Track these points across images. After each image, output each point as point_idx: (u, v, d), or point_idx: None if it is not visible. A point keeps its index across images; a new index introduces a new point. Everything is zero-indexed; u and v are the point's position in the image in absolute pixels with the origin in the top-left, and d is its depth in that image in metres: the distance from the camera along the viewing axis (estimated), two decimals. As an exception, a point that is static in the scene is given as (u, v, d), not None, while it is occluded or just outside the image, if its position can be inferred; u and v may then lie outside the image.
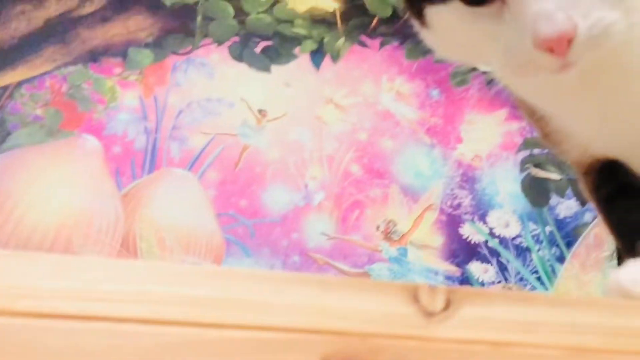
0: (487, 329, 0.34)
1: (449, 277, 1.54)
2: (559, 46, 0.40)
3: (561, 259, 1.61)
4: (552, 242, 1.63)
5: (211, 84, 1.71)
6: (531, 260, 1.60)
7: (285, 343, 0.29)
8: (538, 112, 0.57)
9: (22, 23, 1.69)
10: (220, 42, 1.79)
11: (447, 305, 0.34)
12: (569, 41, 0.40)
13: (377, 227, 1.57)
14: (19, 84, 1.59)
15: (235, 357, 0.29)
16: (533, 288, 1.56)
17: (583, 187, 0.61)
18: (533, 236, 1.63)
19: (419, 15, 0.47)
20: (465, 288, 0.36)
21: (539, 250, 1.62)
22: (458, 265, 1.56)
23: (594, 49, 0.41)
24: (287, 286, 0.31)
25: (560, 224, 1.64)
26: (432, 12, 0.45)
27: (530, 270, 1.59)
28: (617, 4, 0.41)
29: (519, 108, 0.64)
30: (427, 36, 0.48)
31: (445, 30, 0.46)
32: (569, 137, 0.57)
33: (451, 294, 0.34)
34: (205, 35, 1.80)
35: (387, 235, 1.56)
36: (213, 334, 0.29)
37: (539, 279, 1.58)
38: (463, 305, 0.34)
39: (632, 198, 0.55)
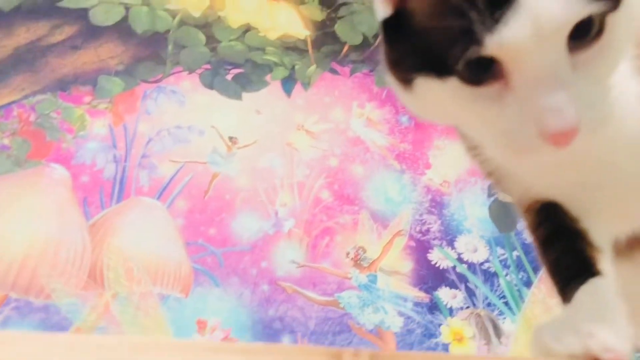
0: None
1: (417, 304, 1.55)
2: (564, 140, 0.40)
3: (528, 283, 1.64)
4: (519, 266, 1.66)
5: (182, 112, 1.72)
6: (499, 285, 1.62)
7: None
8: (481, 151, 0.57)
9: (-9, 52, 1.69)
10: (191, 70, 1.81)
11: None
12: (574, 135, 0.40)
13: (347, 254, 1.58)
14: (-14, 113, 1.58)
15: None
16: (501, 313, 1.58)
17: (524, 224, 0.63)
18: (501, 261, 1.65)
19: (406, 82, 0.45)
20: (388, 353, 0.37)
21: (506, 275, 1.64)
22: (427, 291, 1.57)
23: (592, 136, 0.42)
24: (214, 356, 0.32)
25: (527, 248, 1.66)
26: (423, 84, 0.44)
27: (498, 295, 1.60)
28: (610, 91, 0.43)
29: (461, 142, 0.64)
30: (408, 99, 0.47)
31: (436, 102, 0.45)
32: (511, 178, 0.59)
33: (373, 358, 0.35)
34: (177, 63, 1.81)
35: (357, 262, 1.57)
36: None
37: (506, 303, 1.60)
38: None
39: (566, 242, 0.57)
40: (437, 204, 1.71)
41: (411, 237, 1.65)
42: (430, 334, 1.51)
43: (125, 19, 1.86)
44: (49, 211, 1.45)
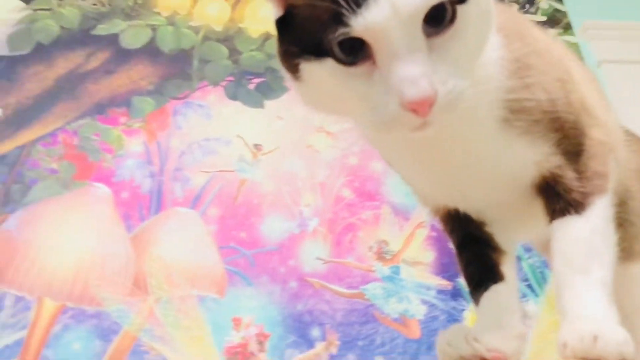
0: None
1: (441, 291, 1.62)
2: (422, 108, 0.46)
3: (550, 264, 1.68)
4: (541, 249, 1.70)
5: (209, 124, 1.84)
6: (521, 268, 1.67)
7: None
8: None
9: (35, 84, 1.86)
10: (215, 83, 1.92)
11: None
12: (430, 104, 0.46)
13: (370, 248, 1.66)
14: (35, 141, 1.75)
15: None
16: (524, 295, 1.63)
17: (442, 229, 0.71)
18: (522, 245, 1.69)
19: (294, 69, 0.51)
20: None
21: (529, 258, 1.69)
22: (449, 279, 1.64)
23: (450, 111, 0.48)
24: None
25: (549, 230, 1.70)
26: (306, 68, 0.49)
27: (521, 278, 1.65)
28: (467, 74, 0.49)
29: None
30: (299, 88, 0.52)
31: (318, 85, 0.51)
32: (415, 190, 0.67)
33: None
34: (202, 78, 1.93)
35: (380, 255, 1.66)
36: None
37: (529, 286, 1.65)
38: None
39: (474, 248, 0.64)
40: (457, 193, 1.77)
41: (432, 227, 1.72)
42: (454, 319, 1.58)
43: (152, 40, 1.99)
44: (95, 227, 1.61)
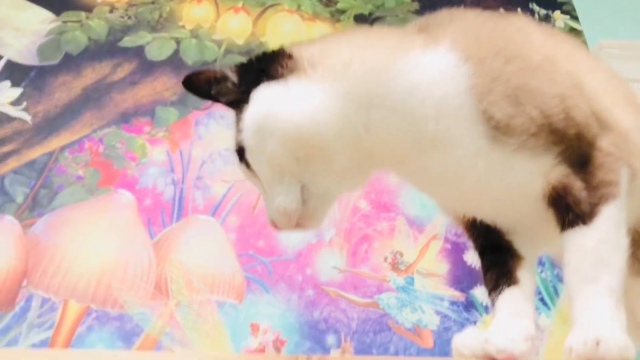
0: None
1: (454, 303, 1.65)
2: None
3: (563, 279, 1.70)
4: (554, 264, 1.72)
5: (230, 135, 1.89)
6: (534, 282, 1.69)
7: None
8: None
9: (63, 93, 1.93)
10: (237, 95, 1.98)
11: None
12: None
13: (385, 259, 1.70)
14: (63, 148, 1.82)
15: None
16: (536, 308, 1.65)
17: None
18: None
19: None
20: (337, 357, 0.50)
21: (541, 272, 1.71)
22: (463, 290, 1.67)
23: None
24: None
25: (561, 245, 1.72)
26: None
27: (534, 292, 1.68)
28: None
29: None
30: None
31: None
32: (434, 201, 0.72)
33: (320, 364, 0.49)
34: (223, 90, 1.99)
35: (395, 266, 1.69)
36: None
37: (541, 299, 1.67)
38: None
39: (493, 254, 0.68)
40: (472, 207, 1.80)
41: (447, 240, 1.75)
42: (466, 330, 1.61)
43: (176, 52, 2.06)
44: (119, 232, 1.66)
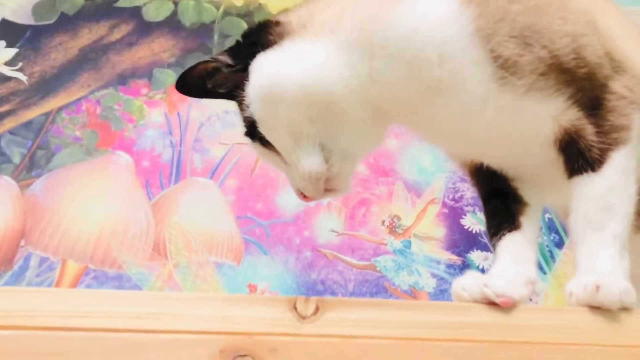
0: (344, 326, 0.49)
1: (450, 266, 1.66)
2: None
3: (560, 244, 1.71)
4: (551, 228, 1.73)
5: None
6: (530, 246, 1.70)
7: (197, 340, 0.45)
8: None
9: (60, 54, 1.90)
10: (235, 58, 1.95)
11: (317, 311, 0.49)
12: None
13: (383, 222, 1.71)
14: (60, 109, 1.80)
15: (167, 349, 0.45)
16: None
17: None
18: (532, 224, 1.73)
19: None
20: (331, 298, 0.51)
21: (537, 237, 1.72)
22: (459, 254, 1.68)
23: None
24: (200, 303, 0.47)
25: (559, 211, 1.73)
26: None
27: (530, 256, 1.69)
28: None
29: None
30: None
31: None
32: (439, 146, 0.72)
33: (320, 303, 0.49)
34: (222, 52, 1.96)
35: (392, 229, 1.70)
36: (152, 336, 0.45)
37: (537, 264, 1.69)
38: (328, 311, 0.49)
39: (497, 200, 0.68)
40: (470, 172, 1.80)
41: (444, 204, 1.76)
42: (462, 293, 1.62)
43: (174, 13, 2.02)
44: (117, 193, 1.66)
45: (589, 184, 0.59)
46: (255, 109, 0.63)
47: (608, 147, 0.59)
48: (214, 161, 1.76)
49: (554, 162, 0.63)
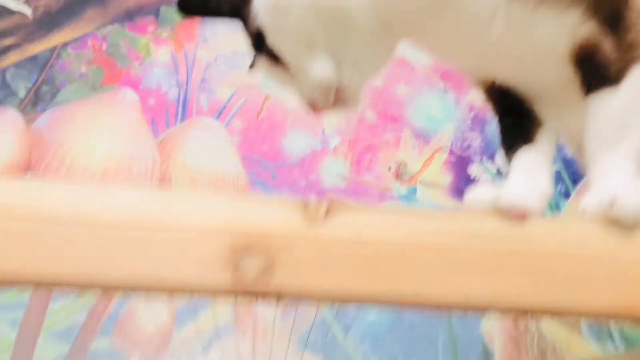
0: (355, 229, 0.48)
1: (455, 214, 1.66)
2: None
3: (566, 194, 1.71)
4: (558, 179, 1.72)
5: (236, 39, 1.83)
6: (536, 197, 1.70)
7: (206, 237, 0.44)
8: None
9: (65, -13, 1.86)
10: (244, -2, 1.91)
11: (328, 213, 0.48)
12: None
13: (389, 169, 1.70)
14: (65, 45, 1.77)
15: (176, 246, 0.45)
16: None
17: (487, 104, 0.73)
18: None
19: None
20: (343, 201, 0.50)
21: (544, 188, 1.71)
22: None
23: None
24: (211, 200, 0.46)
25: (567, 162, 1.72)
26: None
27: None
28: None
29: None
30: None
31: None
32: (454, 63, 0.70)
33: (331, 205, 0.49)
34: (231, -8, 1.92)
35: (398, 176, 1.69)
36: (160, 233, 0.45)
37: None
38: (340, 213, 0.48)
39: (511, 118, 0.67)
40: (479, 122, 1.78)
41: (452, 152, 1.74)
42: (466, 241, 1.62)
43: (182, -50, 1.97)
44: (123, 130, 1.65)
45: (606, 101, 0.57)
46: (265, 19, 0.60)
47: (626, 64, 0.57)
48: (221, 102, 1.74)
49: (570, 80, 0.61)
